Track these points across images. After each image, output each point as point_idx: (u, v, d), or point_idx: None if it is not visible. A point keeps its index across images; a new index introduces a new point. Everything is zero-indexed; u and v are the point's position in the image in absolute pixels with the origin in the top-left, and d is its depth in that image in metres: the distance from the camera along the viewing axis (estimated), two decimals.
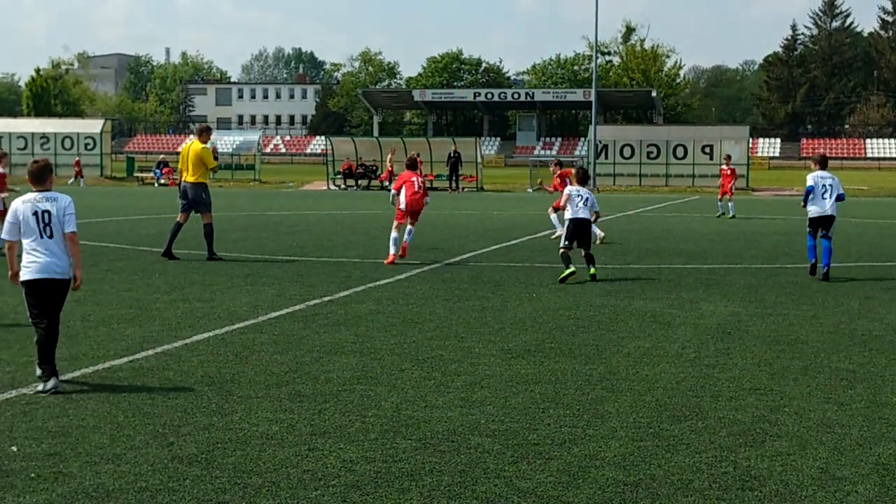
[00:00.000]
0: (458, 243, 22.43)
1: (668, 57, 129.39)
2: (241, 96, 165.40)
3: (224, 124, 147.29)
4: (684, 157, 64.25)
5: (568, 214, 16.54)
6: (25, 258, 8.63)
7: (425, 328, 11.75)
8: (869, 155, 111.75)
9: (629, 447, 7.08)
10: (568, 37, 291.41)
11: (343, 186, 60.82)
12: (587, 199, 16.55)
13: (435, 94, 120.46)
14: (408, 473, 6.45)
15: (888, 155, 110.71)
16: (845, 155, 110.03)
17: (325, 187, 61.96)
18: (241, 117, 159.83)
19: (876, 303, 14.13)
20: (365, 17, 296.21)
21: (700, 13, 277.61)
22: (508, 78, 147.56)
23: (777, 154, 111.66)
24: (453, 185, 59.19)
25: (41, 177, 8.83)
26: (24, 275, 8.63)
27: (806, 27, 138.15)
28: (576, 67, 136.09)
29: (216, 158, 19.13)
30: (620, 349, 10.61)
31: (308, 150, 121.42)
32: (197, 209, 18.80)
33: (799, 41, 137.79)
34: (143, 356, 9.95)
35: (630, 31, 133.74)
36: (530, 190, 58.65)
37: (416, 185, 18.83)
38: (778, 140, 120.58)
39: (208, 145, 18.88)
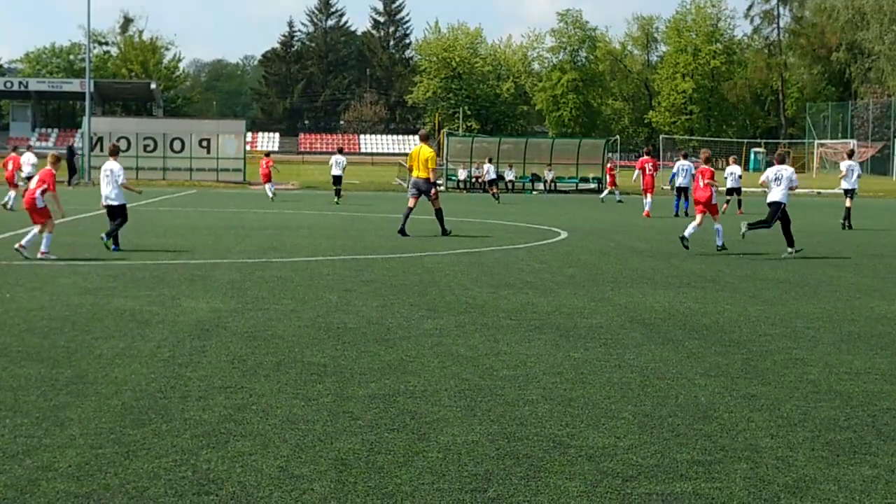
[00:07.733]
0: None
1: (167, 49, 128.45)
2: None
3: None
4: (182, 150, 63.88)
5: None
6: None
7: None
8: (363, 150, 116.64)
9: (87, 455, 6.76)
10: (64, 25, 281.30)
11: None
12: None
13: None
14: None
15: (380, 150, 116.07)
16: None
17: None
18: None
19: (354, 295, 14.53)
20: None
21: (199, 7, 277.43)
22: (1, 66, 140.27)
23: (277, 148, 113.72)
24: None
25: None
26: None
27: (303, 24, 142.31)
28: (72, 57, 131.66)
29: None
30: (92, 351, 10.19)
31: None
32: (427, 196, 25.44)
33: (296, 38, 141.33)
34: None
35: (128, 21, 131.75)
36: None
37: None
38: (277, 135, 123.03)
39: None
